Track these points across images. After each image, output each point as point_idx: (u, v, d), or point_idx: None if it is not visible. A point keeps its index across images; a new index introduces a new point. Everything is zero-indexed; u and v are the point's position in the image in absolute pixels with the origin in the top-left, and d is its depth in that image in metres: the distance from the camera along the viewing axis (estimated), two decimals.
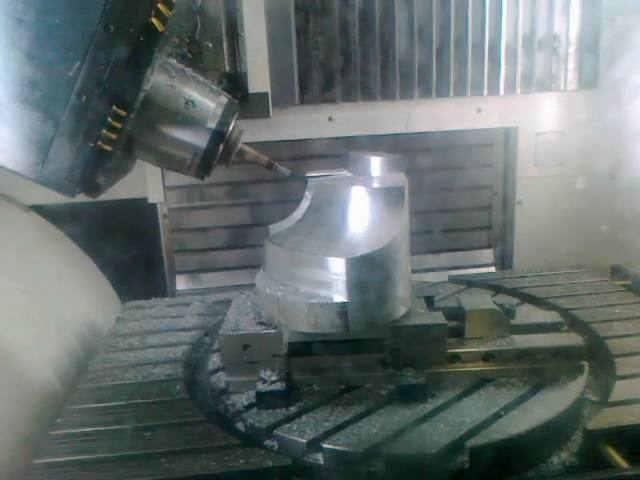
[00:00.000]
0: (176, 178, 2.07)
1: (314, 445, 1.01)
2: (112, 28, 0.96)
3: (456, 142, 2.15)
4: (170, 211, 2.12)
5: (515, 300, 1.52)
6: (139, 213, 2.07)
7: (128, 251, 1.93)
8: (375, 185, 1.22)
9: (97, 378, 1.30)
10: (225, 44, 1.70)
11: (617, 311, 1.45)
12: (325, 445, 1.00)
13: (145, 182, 2.03)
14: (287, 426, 1.06)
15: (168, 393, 1.23)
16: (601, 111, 2.07)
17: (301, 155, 2.05)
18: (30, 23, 0.96)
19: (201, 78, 1.17)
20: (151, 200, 2.08)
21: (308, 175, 1.30)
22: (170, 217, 2.12)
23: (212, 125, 1.15)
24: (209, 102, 1.15)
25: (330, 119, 2.00)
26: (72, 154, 1.01)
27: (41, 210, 1.92)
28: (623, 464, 0.93)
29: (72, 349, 1.51)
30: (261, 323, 1.21)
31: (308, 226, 1.25)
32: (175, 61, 1.15)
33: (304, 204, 1.27)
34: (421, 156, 2.12)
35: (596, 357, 1.29)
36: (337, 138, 2.03)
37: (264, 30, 1.80)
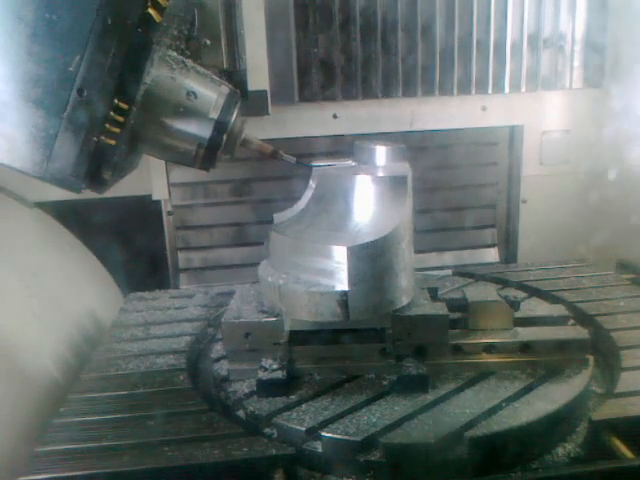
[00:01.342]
0: (180, 175, 2.04)
1: (313, 433, 0.99)
2: (110, 21, 0.95)
3: (461, 140, 2.12)
4: (174, 208, 2.10)
5: (523, 294, 1.47)
6: (143, 210, 2.05)
7: (132, 248, 1.90)
8: (378, 174, 1.20)
9: (100, 368, 1.28)
10: (223, 41, 1.68)
11: (622, 304, 1.41)
12: (323, 433, 0.98)
13: (149, 179, 2.01)
14: (287, 414, 1.04)
15: (171, 383, 1.21)
16: (607, 109, 2.03)
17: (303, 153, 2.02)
18: (29, 20, 0.94)
19: (202, 69, 1.16)
20: (155, 197, 2.05)
21: (313, 164, 1.28)
22: (174, 214, 2.10)
23: (214, 115, 1.13)
24: (211, 93, 1.13)
25: (335, 116, 1.97)
26: (76, 150, 1.00)
27: (45, 207, 1.90)
28: (629, 454, 0.90)
29: (75, 342, 1.49)
30: (263, 311, 1.19)
31: (311, 215, 1.23)
32: (175, 53, 1.14)
33: (308, 193, 1.26)
34: (425, 154, 2.09)
35: (601, 349, 1.26)
36: (340, 135, 2.00)
37: (263, 27, 1.77)
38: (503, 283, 1.60)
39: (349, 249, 1.08)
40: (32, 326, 1.42)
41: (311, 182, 1.26)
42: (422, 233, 2.16)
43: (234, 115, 1.16)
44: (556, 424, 1.00)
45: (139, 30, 0.97)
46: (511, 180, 2.21)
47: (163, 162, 2.00)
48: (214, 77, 1.16)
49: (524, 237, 2.20)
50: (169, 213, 2.10)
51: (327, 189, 1.23)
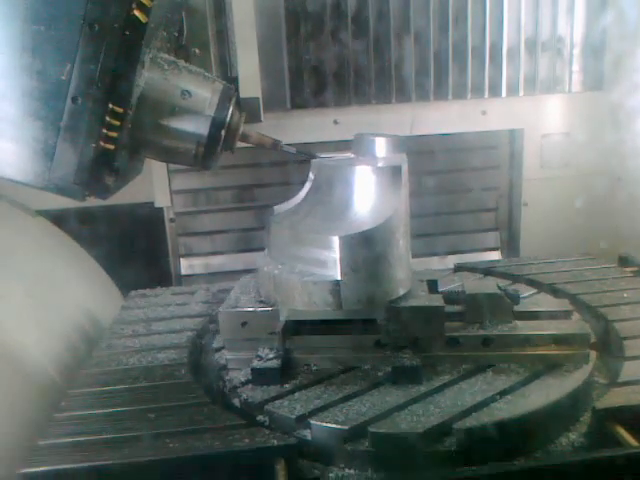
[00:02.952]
0: (183, 182, 2.01)
1: (302, 421, 0.94)
2: (97, 27, 0.93)
3: (462, 144, 2.06)
4: (177, 215, 2.05)
5: (532, 289, 1.39)
6: (146, 217, 2.00)
7: (134, 255, 1.86)
8: (374, 165, 1.15)
9: (101, 363, 1.24)
10: (213, 50, 1.64)
11: (625, 295, 1.33)
12: (312, 421, 0.92)
13: (152, 186, 1.97)
14: (279, 402, 0.99)
15: (172, 377, 1.16)
16: (607, 112, 1.95)
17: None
18: (17, 33, 0.93)
19: (194, 68, 1.13)
20: (158, 204, 2.01)
21: (313, 154, 1.24)
22: (177, 221, 2.05)
23: (211, 112, 1.10)
24: (205, 90, 1.10)
25: (336, 122, 1.93)
26: (76, 157, 0.97)
27: (48, 215, 1.86)
28: (633, 442, 0.82)
29: (74, 346, 1.44)
30: (261, 302, 1.15)
31: (308, 205, 1.18)
32: (166, 55, 1.11)
33: (307, 185, 1.22)
34: (426, 159, 2.03)
35: (605, 340, 1.18)
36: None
37: (254, 35, 1.73)
38: (512, 278, 1.51)
39: (341, 239, 1.03)
40: (32, 330, 1.38)
41: (310, 174, 1.22)
42: (425, 237, 2.10)
43: (230, 110, 1.14)
44: (549, 418, 0.93)
45: (127, 33, 0.95)
46: (512, 183, 2.14)
47: (165, 169, 1.97)
48: (207, 74, 1.14)
49: (526, 240, 2.12)
50: (171, 220, 2.05)
51: (324, 180, 1.19)
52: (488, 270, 1.58)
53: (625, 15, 1.90)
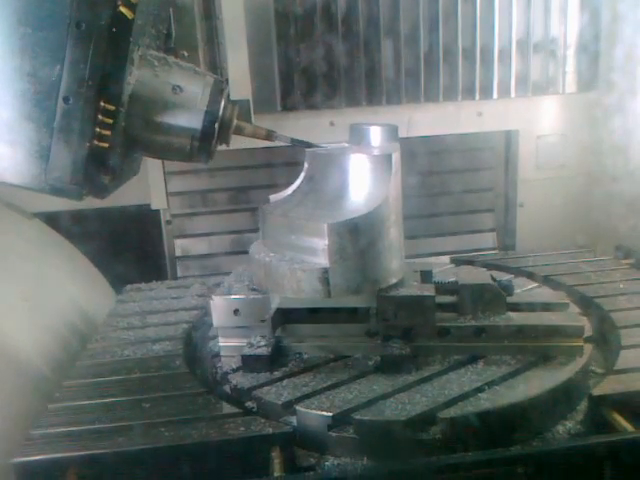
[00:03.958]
0: (179, 184, 1.97)
1: (289, 407, 0.89)
2: (84, 25, 0.90)
3: (458, 146, 2.01)
4: (173, 217, 2.00)
5: (533, 283, 1.33)
6: (142, 219, 1.95)
7: (131, 257, 1.81)
8: (366, 154, 1.11)
9: (96, 355, 1.20)
10: (202, 52, 1.59)
11: (621, 286, 1.28)
12: (298, 407, 0.88)
13: (148, 188, 1.92)
14: (267, 388, 0.96)
15: (168, 367, 1.13)
16: (602, 113, 1.90)
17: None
18: (4, 35, 0.91)
19: (184, 63, 1.10)
20: (154, 206, 1.96)
21: (309, 143, 1.20)
22: (173, 223, 2.00)
23: (203, 106, 1.07)
24: (196, 84, 1.07)
25: (332, 124, 1.88)
26: (71, 157, 0.94)
27: (45, 217, 1.81)
28: (629, 428, 0.77)
29: (69, 345, 1.41)
30: (254, 289, 1.12)
31: (301, 194, 1.15)
32: (155, 51, 1.08)
33: (302, 174, 1.18)
34: (422, 160, 1.99)
35: (601, 330, 1.12)
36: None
37: (244, 37, 1.69)
38: (511, 271, 1.45)
39: (329, 226, 0.99)
40: (26, 328, 1.35)
41: (305, 163, 1.18)
42: (422, 237, 2.05)
43: (222, 103, 1.10)
44: (538, 409, 0.88)
45: (114, 30, 0.92)
46: (508, 184, 2.08)
47: (162, 172, 1.92)
48: (197, 69, 1.11)
49: (521, 240, 2.05)
50: (168, 222, 2.00)
51: (317, 169, 1.15)
52: (486, 263, 1.53)
53: (619, 15, 1.85)
